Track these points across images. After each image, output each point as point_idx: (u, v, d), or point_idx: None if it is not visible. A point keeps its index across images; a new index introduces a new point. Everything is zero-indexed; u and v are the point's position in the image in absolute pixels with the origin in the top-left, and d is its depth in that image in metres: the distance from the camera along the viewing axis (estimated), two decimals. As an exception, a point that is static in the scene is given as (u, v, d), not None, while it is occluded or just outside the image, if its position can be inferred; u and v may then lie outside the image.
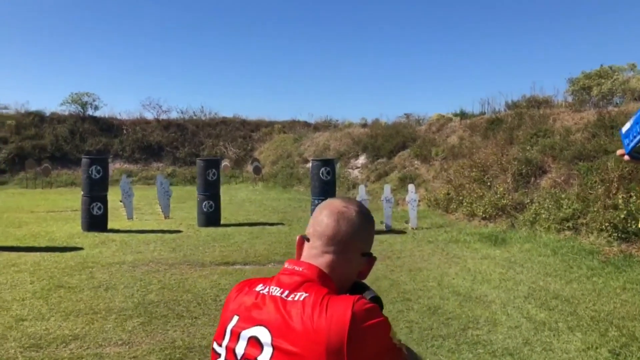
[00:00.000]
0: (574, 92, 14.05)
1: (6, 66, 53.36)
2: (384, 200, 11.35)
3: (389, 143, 18.77)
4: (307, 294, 1.11)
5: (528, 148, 11.94)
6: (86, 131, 27.51)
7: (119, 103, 73.52)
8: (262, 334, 1.09)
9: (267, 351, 1.08)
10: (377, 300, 1.20)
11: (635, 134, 1.24)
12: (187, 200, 16.22)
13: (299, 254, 1.26)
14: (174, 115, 30.81)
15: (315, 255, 1.21)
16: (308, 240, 1.25)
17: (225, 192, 20.04)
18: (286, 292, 1.13)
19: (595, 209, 8.75)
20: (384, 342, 1.10)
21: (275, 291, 1.15)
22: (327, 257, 1.20)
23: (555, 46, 56.40)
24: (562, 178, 10.22)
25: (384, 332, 1.10)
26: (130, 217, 12.66)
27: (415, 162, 16.85)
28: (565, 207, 9.33)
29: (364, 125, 24.14)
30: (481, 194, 11.63)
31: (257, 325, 1.11)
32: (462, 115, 18.62)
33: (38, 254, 8.31)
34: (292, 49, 60.58)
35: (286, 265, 1.22)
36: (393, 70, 61.66)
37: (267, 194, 19.60)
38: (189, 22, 60.09)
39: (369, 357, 1.06)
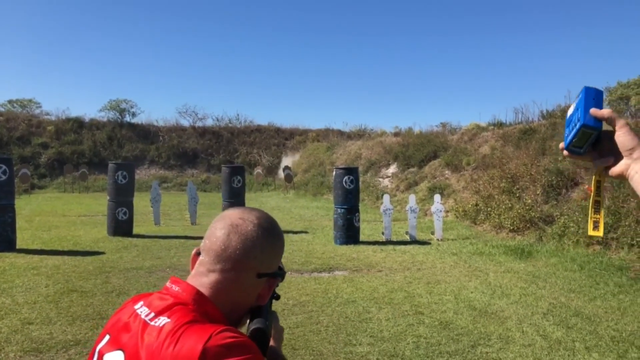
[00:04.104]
0: (611, 102, 13.52)
1: (48, 73, 55.60)
2: (408, 210, 11.14)
3: (419, 152, 18.51)
4: (168, 320, 0.95)
5: (560, 159, 11.52)
6: (124, 137, 28.24)
7: (156, 110, 75.14)
8: None
9: None
10: (257, 334, 1.04)
11: (574, 123, 1.05)
12: (217, 207, 16.34)
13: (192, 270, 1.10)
14: (209, 122, 31.39)
15: (200, 273, 1.06)
16: (199, 255, 1.10)
17: (256, 200, 20.19)
18: (151, 315, 0.99)
19: (626, 224, 8.33)
20: None
21: (143, 312, 1.01)
22: (212, 277, 1.04)
23: (591, 55, 54.89)
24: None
25: None
26: (157, 223, 12.83)
27: (446, 171, 16.54)
28: (595, 220, 8.92)
29: (396, 134, 23.92)
30: (510, 205, 11.28)
31: (118, 349, 0.98)
32: (498, 125, 18.20)
33: (60, 257, 8.49)
34: (330, 57, 60.89)
35: (167, 282, 1.07)
36: (429, 79, 61.17)
37: (297, 202, 19.60)
38: (224, 30, 61.20)
39: None
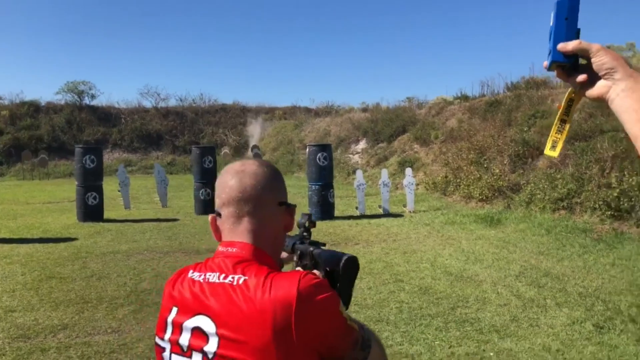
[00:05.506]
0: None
1: None
2: (381, 185, 11.32)
3: (389, 127, 18.69)
4: (246, 277, 1.04)
5: (526, 129, 11.87)
6: (83, 121, 27.39)
7: (117, 92, 72.43)
8: (206, 323, 1.03)
9: (213, 341, 1.02)
10: (350, 261, 1.21)
11: (549, 46, 0.96)
12: (186, 189, 16.21)
13: (217, 234, 1.18)
14: (172, 103, 30.66)
15: (233, 224, 1.13)
16: (220, 215, 1.16)
17: (225, 180, 20.05)
18: (223, 276, 1.06)
19: (589, 189, 8.72)
20: (334, 316, 1.04)
21: (213, 277, 1.08)
22: (245, 221, 1.12)
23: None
24: (558, 159, 10.16)
25: (333, 307, 1.03)
26: (127, 207, 12.67)
27: (415, 146, 16.79)
28: (560, 187, 9.29)
29: (365, 110, 23.99)
30: (478, 176, 11.59)
31: (198, 314, 1.05)
32: (464, 98, 18.51)
33: (31, 245, 8.32)
34: (294, 33, 60.31)
35: (220, 247, 1.14)
36: (394, 54, 61.44)
37: (267, 181, 19.55)
38: (185, 9, 59.80)
39: (318, 333, 1.00)
